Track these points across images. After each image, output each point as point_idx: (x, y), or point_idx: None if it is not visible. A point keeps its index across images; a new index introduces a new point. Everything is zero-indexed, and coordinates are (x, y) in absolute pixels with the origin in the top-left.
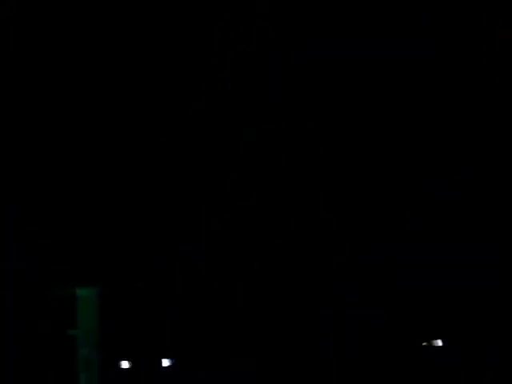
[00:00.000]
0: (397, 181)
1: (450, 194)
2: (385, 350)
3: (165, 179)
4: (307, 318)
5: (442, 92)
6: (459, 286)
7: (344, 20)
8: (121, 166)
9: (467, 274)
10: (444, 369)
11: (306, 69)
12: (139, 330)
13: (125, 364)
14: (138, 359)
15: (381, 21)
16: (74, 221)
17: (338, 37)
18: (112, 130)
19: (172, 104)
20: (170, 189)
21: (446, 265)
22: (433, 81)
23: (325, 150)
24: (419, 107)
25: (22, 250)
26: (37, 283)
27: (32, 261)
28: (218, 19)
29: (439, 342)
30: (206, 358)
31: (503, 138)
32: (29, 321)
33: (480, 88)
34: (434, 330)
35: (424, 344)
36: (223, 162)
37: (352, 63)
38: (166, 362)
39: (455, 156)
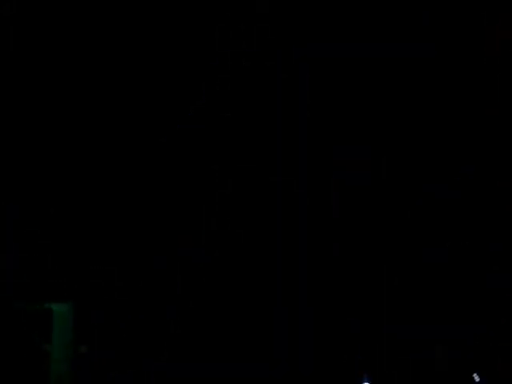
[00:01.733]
0: (397, 181)
1: (450, 193)
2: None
3: (165, 179)
4: (309, 317)
5: (442, 92)
6: (458, 286)
7: (344, 20)
8: (121, 166)
9: (467, 275)
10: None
11: (306, 69)
12: (139, 331)
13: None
14: (139, 361)
15: (381, 21)
16: (72, 221)
17: (338, 37)
18: (112, 130)
19: (172, 104)
20: (170, 189)
21: (445, 265)
22: (433, 81)
23: (324, 150)
24: (419, 107)
25: (22, 249)
26: (12, 296)
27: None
28: (218, 19)
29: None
30: (205, 358)
31: (503, 138)
32: (3, 335)
33: (480, 88)
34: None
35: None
36: (223, 161)
37: (352, 63)
38: None
39: (455, 156)
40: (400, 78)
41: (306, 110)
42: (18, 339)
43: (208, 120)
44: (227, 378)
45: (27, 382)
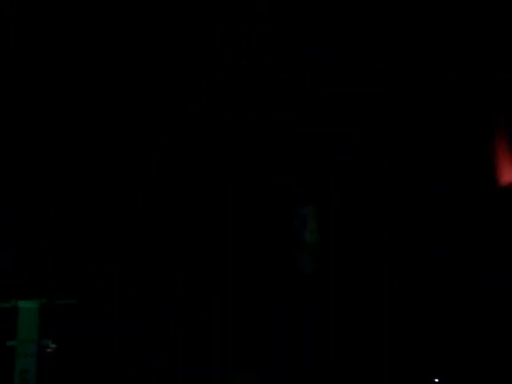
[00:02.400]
0: (397, 181)
1: (450, 193)
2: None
3: (165, 179)
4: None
5: (442, 92)
6: (458, 287)
7: (344, 20)
8: (121, 166)
9: (468, 275)
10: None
11: (306, 69)
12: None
13: None
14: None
15: (380, 21)
16: (72, 221)
17: (338, 37)
18: (112, 130)
19: (172, 104)
20: (170, 189)
21: (446, 265)
22: (432, 80)
23: (324, 150)
24: (419, 107)
25: (22, 250)
26: None
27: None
28: (218, 19)
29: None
30: (205, 358)
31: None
32: None
33: (479, 89)
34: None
35: None
36: (223, 161)
37: (352, 63)
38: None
39: (455, 156)
40: (400, 78)
41: (306, 110)
42: None
43: (208, 120)
44: (227, 377)
45: None
